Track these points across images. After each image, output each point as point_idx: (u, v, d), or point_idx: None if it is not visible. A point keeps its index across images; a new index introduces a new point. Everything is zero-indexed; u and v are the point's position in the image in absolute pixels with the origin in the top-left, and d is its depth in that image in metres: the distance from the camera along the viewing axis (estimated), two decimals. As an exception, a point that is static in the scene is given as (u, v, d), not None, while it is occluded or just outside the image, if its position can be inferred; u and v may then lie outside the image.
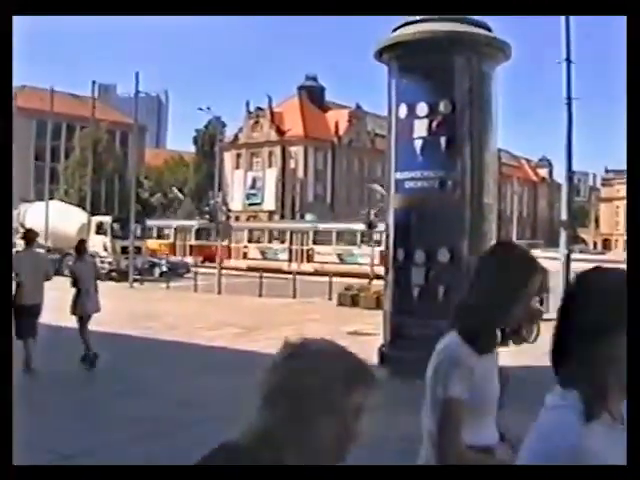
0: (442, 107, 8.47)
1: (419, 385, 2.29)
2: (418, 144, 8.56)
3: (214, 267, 25.88)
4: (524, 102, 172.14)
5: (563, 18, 17.07)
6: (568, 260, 17.69)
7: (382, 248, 32.24)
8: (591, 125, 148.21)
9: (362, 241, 34.39)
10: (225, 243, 40.62)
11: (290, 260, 37.95)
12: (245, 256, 39.43)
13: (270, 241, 40.84)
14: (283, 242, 39.66)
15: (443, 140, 8.46)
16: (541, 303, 15.70)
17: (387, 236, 9.31)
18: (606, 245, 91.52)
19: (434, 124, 8.48)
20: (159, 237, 43.48)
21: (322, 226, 39.56)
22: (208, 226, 43.65)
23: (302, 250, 38.42)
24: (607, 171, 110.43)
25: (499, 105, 9.02)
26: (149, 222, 42.83)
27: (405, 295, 8.59)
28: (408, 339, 8.23)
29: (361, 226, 34.70)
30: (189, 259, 39.38)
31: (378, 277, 18.67)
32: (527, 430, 1.43)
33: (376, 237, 32.55)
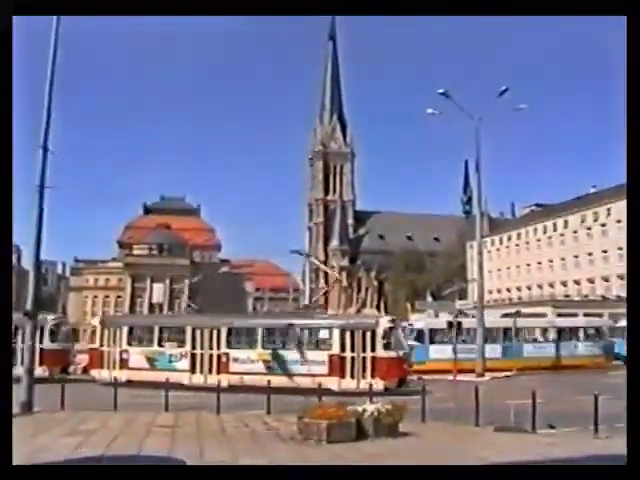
0: None
1: None
2: None
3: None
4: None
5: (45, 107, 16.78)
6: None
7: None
8: (62, 215, 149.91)
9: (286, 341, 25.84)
10: (94, 346, 28.45)
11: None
12: (124, 365, 26.22)
13: (160, 343, 27.54)
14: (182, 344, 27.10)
15: None
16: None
17: None
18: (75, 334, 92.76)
19: None
20: None
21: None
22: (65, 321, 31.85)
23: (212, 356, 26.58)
24: (77, 260, 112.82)
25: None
26: None
27: None
28: None
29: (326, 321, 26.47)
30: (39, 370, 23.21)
31: None
32: None
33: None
